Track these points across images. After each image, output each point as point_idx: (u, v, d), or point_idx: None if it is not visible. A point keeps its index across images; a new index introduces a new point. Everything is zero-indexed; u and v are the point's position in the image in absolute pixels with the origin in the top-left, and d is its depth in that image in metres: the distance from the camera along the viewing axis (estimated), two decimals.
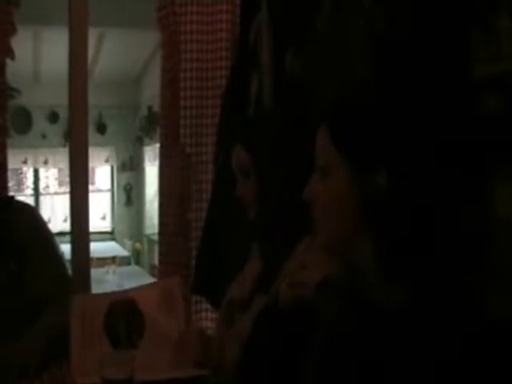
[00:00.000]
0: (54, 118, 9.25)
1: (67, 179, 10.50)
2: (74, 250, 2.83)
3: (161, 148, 2.96)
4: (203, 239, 2.64)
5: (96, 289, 3.06)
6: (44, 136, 9.33)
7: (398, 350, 1.04)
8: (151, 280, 6.55)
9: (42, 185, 10.05)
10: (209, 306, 2.90)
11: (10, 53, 2.70)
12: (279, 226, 1.62)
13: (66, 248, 2.76)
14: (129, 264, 8.43)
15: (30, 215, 2.22)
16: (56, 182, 10.33)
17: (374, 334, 1.07)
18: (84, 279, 2.81)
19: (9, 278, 2.00)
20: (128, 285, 6.21)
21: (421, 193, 1.14)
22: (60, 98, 5.72)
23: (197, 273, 2.69)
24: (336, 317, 1.14)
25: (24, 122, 8.88)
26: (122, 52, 7.81)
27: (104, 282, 5.98)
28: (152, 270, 7.57)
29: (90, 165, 2.88)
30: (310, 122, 1.43)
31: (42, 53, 7.51)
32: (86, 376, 1.67)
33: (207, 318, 3.00)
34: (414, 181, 1.13)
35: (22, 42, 2.71)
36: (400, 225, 1.12)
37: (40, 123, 9.24)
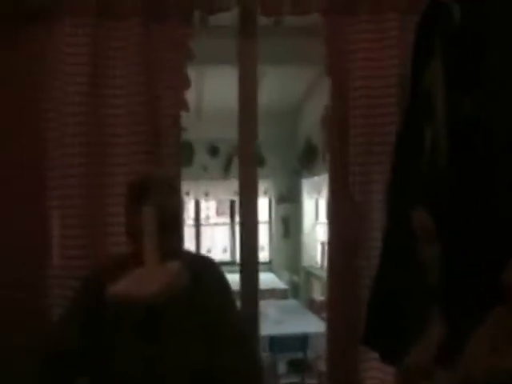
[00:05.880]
0: (214, 151, 9.57)
1: (226, 210, 10.72)
2: (243, 281, 2.92)
3: (330, 193, 2.95)
4: (374, 291, 2.58)
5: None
6: (205, 168, 9.66)
7: None
8: (312, 317, 6.52)
9: (202, 216, 10.38)
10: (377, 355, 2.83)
11: (184, 106, 2.80)
12: (466, 292, 1.55)
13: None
14: (285, 297, 8.41)
15: (214, 271, 2.26)
16: (215, 213, 10.63)
17: None
18: (253, 310, 2.90)
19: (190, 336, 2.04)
20: (288, 321, 6.25)
21: None
22: (220, 133, 5.87)
23: (368, 324, 2.62)
24: None
25: (187, 155, 9.23)
26: (279, 87, 7.93)
27: (264, 316, 6.01)
28: (310, 305, 7.54)
29: None
30: (496, 181, 1.36)
31: (204, 89, 7.79)
32: None
33: (375, 368, 2.93)
34: None
35: None
36: None
37: (201, 156, 9.58)
